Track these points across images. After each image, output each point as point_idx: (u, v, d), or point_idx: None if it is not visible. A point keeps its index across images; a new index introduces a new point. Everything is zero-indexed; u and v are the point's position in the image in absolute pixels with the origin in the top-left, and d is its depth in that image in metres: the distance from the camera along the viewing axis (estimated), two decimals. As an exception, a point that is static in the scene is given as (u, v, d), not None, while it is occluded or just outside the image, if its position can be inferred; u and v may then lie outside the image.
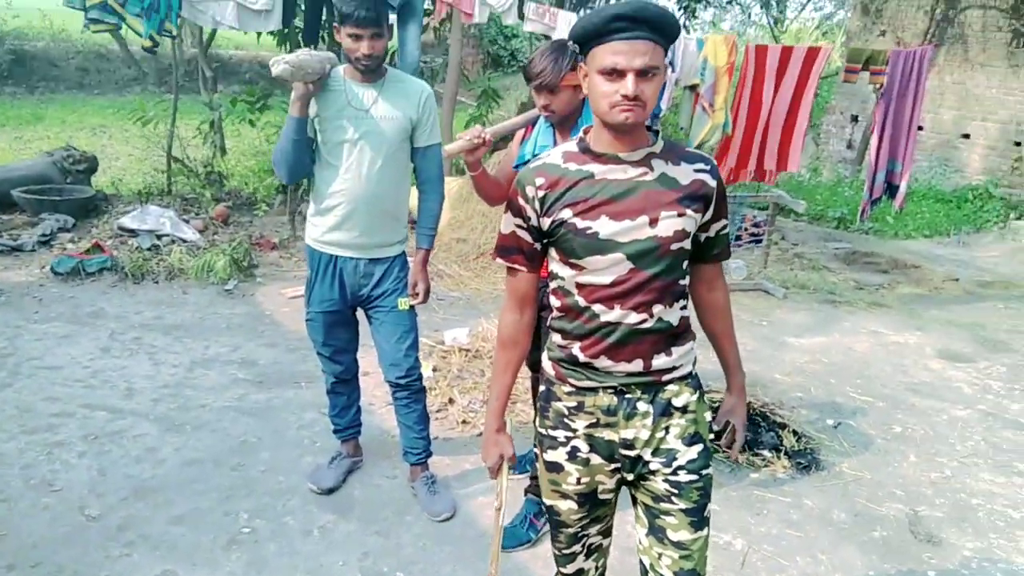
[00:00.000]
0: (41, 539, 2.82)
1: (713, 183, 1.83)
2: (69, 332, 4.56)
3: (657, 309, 1.80)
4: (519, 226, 1.86)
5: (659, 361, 1.83)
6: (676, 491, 1.85)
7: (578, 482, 1.92)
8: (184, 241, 6.05)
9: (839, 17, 24.56)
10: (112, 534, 2.88)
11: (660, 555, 1.89)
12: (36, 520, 2.93)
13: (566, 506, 1.96)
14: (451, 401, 4.05)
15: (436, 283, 5.78)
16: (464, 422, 3.89)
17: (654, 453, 1.86)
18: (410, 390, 3.14)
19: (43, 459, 3.31)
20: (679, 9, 11.90)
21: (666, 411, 1.86)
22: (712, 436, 1.98)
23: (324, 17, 5.21)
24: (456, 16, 5.35)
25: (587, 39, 1.69)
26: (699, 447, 1.88)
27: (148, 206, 6.47)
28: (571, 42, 1.80)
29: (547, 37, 5.22)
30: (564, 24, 4.80)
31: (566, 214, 1.77)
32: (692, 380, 1.91)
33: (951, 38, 11.03)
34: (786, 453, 3.81)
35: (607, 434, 1.87)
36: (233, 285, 5.45)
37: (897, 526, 3.35)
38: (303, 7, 4.99)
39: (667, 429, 1.86)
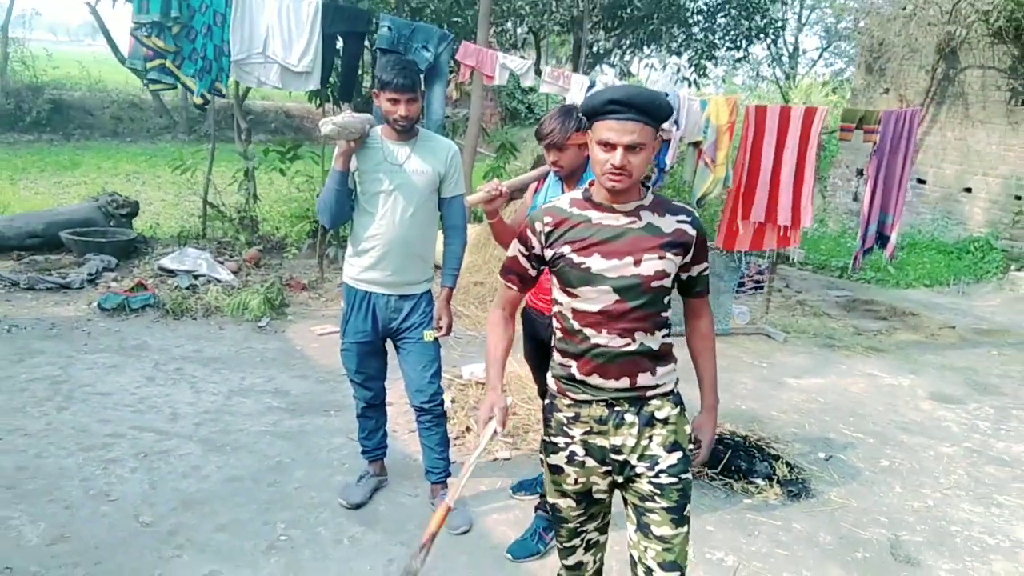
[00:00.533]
0: (101, 542, 3.16)
1: (693, 232, 2.18)
2: (117, 362, 4.94)
3: (639, 336, 2.14)
4: (522, 253, 2.25)
5: (643, 379, 2.17)
6: (659, 491, 2.17)
7: (575, 482, 2.25)
8: (219, 281, 6.46)
9: (849, 73, 25.15)
10: (164, 538, 3.21)
11: (646, 548, 2.20)
12: (96, 525, 3.27)
13: (566, 504, 2.30)
14: (468, 429, 4.37)
15: (455, 323, 6.13)
16: (480, 449, 4.21)
17: (639, 459, 2.18)
18: (433, 414, 3.48)
19: (100, 473, 3.66)
20: (689, 67, 12.40)
21: (649, 422, 2.19)
22: (691, 446, 2.31)
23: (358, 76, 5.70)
24: (477, 76, 5.81)
25: (590, 115, 2.08)
26: (679, 454, 2.20)
27: (186, 248, 6.91)
28: (581, 114, 2.19)
29: (564, 97, 5.64)
30: (576, 86, 5.23)
31: (566, 249, 2.14)
32: (673, 396, 2.24)
33: (951, 96, 11.45)
34: (778, 482, 4.10)
35: (599, 440, 2.20)
36: (266, 322, 5.84)
37: (879, 549, 3.63)
38: (339, 69, 5.46)
39: (651, 438, 2.19)
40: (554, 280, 2.24)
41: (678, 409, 2.24)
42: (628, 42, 13.51)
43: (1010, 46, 10.33)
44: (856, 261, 6.34)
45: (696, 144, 5.58)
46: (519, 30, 13.57)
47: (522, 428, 4.42)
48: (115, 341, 5.30)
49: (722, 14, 12.30)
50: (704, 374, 2.37)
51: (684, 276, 2.24)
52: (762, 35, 12.38)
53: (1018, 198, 10.80)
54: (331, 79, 5.97)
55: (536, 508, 3.48)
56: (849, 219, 12.29)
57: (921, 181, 12.01)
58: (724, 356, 6.08)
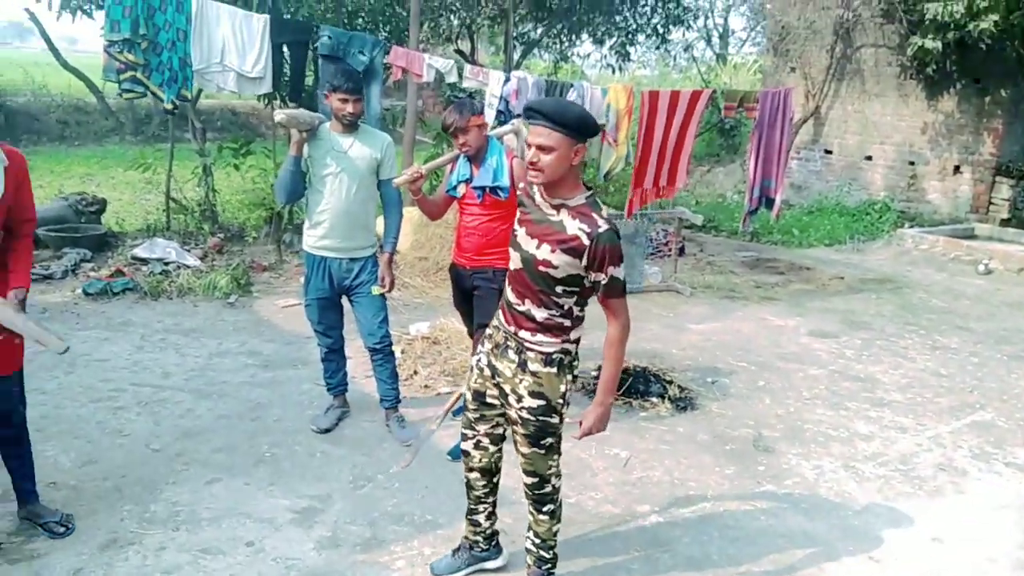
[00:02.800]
0: (123, 463, 3.95)
1: (587, 243, 2.57)
2: (108, 336, 5.68)
3: (527, 302, 2.73)
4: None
5: (524, 334, 2.76)
6: (519, 421, 2.82)
7: (475, 382, 2.99)
8: (188, 267, 7.19)
9: (772, 52, 26.28)
10: (172, 458, 4.02)
11: (518, 456, 2.94)
12: (116, 452, 4.06)
13: (469, 396, 3.03)
14: (416, 372, 5.23)
15: (402, 292, 6.99)
16: (426, 386, 5.08)
17: (511, 392, 2.81)
18: (383, 352, 4.34)
19: (111, 417, 4.44)
20: (612, 53, 13.30)
21: (522, 367, 2.77)
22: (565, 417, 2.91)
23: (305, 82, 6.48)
24: (410, 77, 6.62)
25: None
26: (541, 401, 2.76)
27: (155, 239, 7.62)
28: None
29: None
30: (494, 80, 6.08)
31: (518, 214, 2.83)
32: (549, 358, 2.74)
33: (850, 73, 12.57)
34: (669, 399, 5.04)
35: (494, 360, 2.91)
36: (234, 299, 6.61)
37: (744, 443, 4.59)
38: (288, 75, 6.23)
39: (521, 381, 2.78)
40: None
41: (552, 370, 2.75)
42: (556, 31, 14.39)
43: (898, 25, 11.43)
44: (745, 221, 7.32)
45: (600, 127, 6.48)
46: (453, 22, 14.33)
47: (461, 369, 5.29)
48: (103, 320, 6.03)
49: (641, 3, 13.23)
50: (602, 373, 2.80)
51: (587, 281, 2.67)
52: (678, 23, 13.33)
53: (911, 163, 11.98)
54: (281, 82, 6.71)
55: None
56: (764, 189, 13.36)
57: (828, 152, 13.14)
58: (635, 309, 6.95)
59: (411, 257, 7.68)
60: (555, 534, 3.09)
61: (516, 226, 2.80)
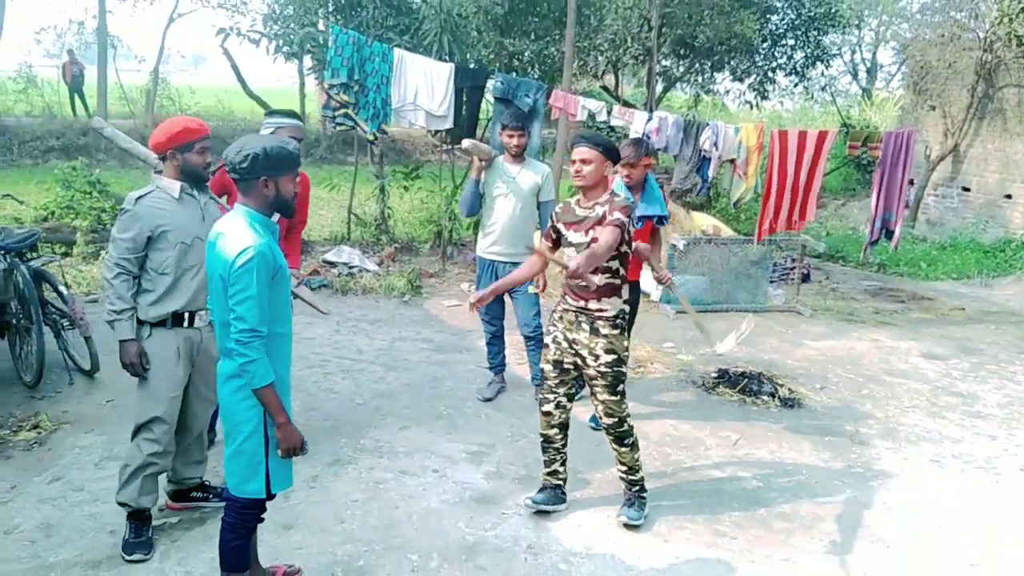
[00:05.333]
0: (335, 411, 5.15)
1: (625, 219, 3.63)
2: (311, 321, 6.98)
3: (589, 276, 3.62)
4: (551, 224, 3.94)
5: (592, 304, 3.76)
6: (599, 375, 3.78)
7: (554, 353, 3.92)
8: (368, 271, 8.52)
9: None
10: (371, 411, 5.19)
11: (596, 405, 3.90)
12: (329, 404, 5.27)
13: (548, 367, 3.96)
14: (559, 363, 6.23)
15: (546, 299, 8.00)
16: (567, 374, 6.06)
17: (589, 354, 3.76)
18: (536, 339, 5.35)
19: (322, 379, 5.68)
20: (751, 91, 13.96)
21: (595, 332, 3.76)
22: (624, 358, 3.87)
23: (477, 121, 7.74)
24: (563, 115, 7.70)
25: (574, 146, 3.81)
26: (613, 356, 3.74)
27: (341, 246, 9.02)
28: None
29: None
30: (638, 119, 7.06)
31: (561, 226, 3.85)
32: (613, 321, 3.75)
33: (991, 112, 12.70)
34: (779, 398, 5.80)
35: (569, 333, 3.87)
36: (408, 298, 7.85)
37: (841, 436, 5.29)
38: (465, 115, 7.44)
39: (596, 343, 3.75)
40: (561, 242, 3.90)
41: (617, 331, 3.76)
42: (698, 68, 15.18)
43: (1042, 67, 11.57)
44: (866, 250, 7.91)
45: (732, 161, 7.32)
46: (599, 61, 15.39)
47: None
48: (306, 308, 7.33)
49: (780, 44, 13.82)
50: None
51: (623, 247, 3.68)
52: (819, 60, 13.81)
53: (1054, 203, 12.00)
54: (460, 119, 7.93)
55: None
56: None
57: (966, 189, 13.27)
58: (757, 326, 7.70)
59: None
60: (637, 460, 4.01)
61: (563, 229, 3.79)
